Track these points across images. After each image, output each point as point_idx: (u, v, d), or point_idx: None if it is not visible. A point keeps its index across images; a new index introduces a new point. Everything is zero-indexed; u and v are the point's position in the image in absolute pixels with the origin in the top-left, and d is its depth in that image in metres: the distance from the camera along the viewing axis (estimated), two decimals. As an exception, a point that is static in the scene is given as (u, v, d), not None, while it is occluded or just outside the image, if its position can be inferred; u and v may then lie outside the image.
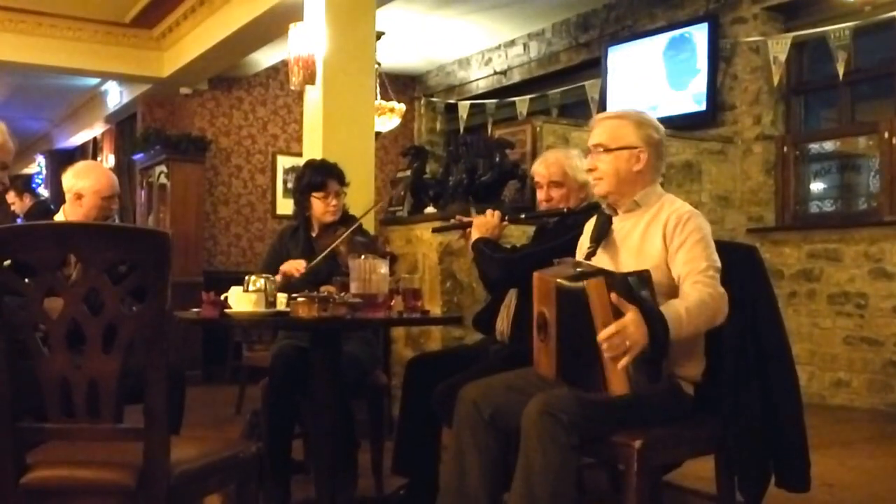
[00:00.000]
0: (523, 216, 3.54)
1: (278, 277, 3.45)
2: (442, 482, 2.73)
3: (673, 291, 2.48)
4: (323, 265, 3.47)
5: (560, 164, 3.41)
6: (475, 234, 3.30)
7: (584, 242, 2.79)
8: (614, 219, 2.70)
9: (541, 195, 3.45)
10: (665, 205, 2.63)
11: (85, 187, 3.46)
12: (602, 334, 2.23)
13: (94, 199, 3.46)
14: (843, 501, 3.22)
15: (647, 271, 2.37)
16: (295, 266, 3.61)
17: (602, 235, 2.68)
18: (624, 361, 2.22)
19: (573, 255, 2.72)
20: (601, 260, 2.63)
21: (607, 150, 2.64)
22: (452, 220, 3.62)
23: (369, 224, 4.72)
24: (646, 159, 2.63)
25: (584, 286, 2.28)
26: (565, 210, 3.30)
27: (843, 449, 4.25)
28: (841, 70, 5.92)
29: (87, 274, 1.96)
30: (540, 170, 3.46)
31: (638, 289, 2.30)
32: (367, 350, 3.77)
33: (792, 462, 2.61)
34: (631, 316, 2.22)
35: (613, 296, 2.23)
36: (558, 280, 2.39)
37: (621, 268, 2.54)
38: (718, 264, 2.49)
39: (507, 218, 3.34)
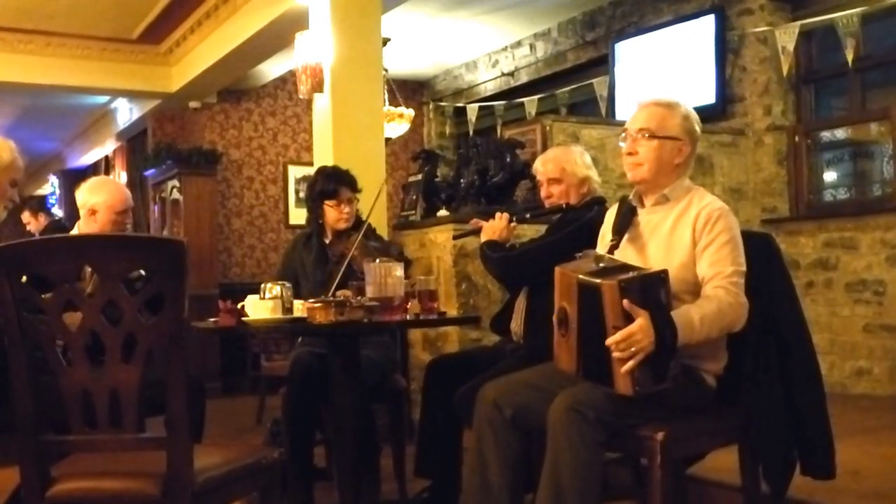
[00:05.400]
0: (528, 216, 3.63)
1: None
2: (464, 483, 2.73)
3: (699, 289, 2.47)
4: (338, 270, 3.48)
5: (558, 160, 3.49)
6: (483, 238, 3.44)
7: (605, 234, 2.75)
8: (641, 211, 2.66)
9: (542, 193, 3.55)
10: (695, 200, 2.59)
11: (98, 202, 3.48)
12: (610, 340, 2.27)
13: (108, 213, 3.48)
14: (869, 489, 3.19)
15: (664, 271, 2.36)
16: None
17: (625, 227, 2.63)
18: (627, 366, 2.26)
19: (572, 249, 2.68)
20: (626, 253, 2.59)
21: (653, 136, 2.57)
22: (469, 225, 3.69)
23: (382, 231, 4.71)
24: (687, 153, 2.61)
25: (600, 285, 2.30)
26: (564, 206, 3.40)
27: (867, 437, 4.21)
28: (850, 57, 5.89)
29: (104, 285, 1.97)
30: (539, 167, 3.56)
31: (653, 291, 2.30)
32: (385, 354, 3.77)
33: (817, 449, 2.59)
34: (640, 322, 2.25)
35: (625, 302, 2.25)
36: (580, 276, 2.38)
37: (649, 261, 2.53)
38: (744, 268, 2.48)
39: (515, 219, 3.46)
